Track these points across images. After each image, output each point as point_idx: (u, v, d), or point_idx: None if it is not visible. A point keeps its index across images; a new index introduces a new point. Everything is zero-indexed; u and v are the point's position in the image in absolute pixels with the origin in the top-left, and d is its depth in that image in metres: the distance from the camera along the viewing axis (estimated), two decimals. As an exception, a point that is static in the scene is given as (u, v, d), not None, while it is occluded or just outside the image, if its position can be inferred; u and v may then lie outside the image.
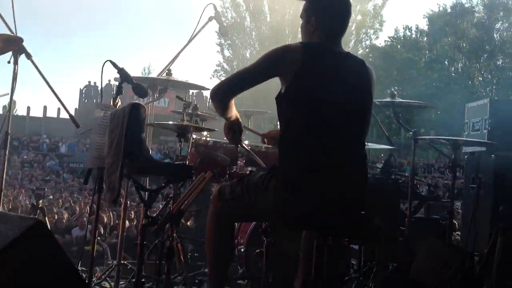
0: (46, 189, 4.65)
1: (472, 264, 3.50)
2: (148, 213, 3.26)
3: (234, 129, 3.24)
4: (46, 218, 4.81)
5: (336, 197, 2.98)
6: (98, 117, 3.50)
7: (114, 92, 3.62)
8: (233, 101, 3.16)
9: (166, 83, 4.32)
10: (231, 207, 3.19)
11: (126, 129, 3.00)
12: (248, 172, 3.87)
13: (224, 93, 3.10)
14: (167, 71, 4.31)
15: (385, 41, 39.79)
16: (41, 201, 4.66)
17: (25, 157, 27.42)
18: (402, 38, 39.81)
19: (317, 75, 2.97)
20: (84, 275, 4.50)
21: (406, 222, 4.44)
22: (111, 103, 3.51)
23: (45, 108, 37.30)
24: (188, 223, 7.86)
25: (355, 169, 3.07)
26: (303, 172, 2.95)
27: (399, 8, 76.49)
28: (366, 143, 4.59)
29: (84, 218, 10.12)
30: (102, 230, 9.43)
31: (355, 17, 36.34)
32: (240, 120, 3.28)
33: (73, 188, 20.98)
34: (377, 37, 39.08)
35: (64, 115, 28.41)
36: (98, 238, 8.64)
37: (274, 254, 4.14)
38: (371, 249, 4.32)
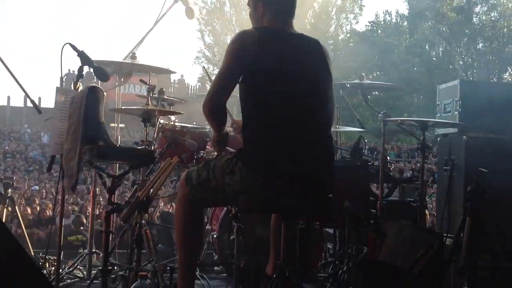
0: (14, 178, 4.54)
1: (441, 245, 3.48)
2: (112, 200, 3.18)
3: (222, 143, 3.23)
4: (16, 207, 4.72)
5: (302, 180, 2.98)
6: (60, 102, 3.42)
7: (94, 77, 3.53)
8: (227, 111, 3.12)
9: (131, 66, 4.24)
10: (198, 192, 3.17)
11: (83, 113, 2.93)
12: (214, 156, 3.84)
13: (219, 101, 3.02)
14: (131, 55, 4.22)
15: (365, 25, 39.83)
16: (9, 190, 4.57)
17: (6, 147, 27.03)
18: (382, 23, 39.87)
19: (272, 59, 2.98)
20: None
21: (378, 204, 4.43)
22: (72, 88, 3.43)
23: (25, 97, 36.75)
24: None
25: (319, 150, 3.06)
26: (267, 156, 2.95)
27: (379, -8, 76.43)
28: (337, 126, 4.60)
29: (69, 207, 10.05)
30: (84, 220, 9.33)
31: (335, 1, 36.28)
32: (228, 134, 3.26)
33: (57, 178, 20.67)
34: (357, 22, 39.03)
35: (45, 104, 28.02)
36: (81, 228, 8.56)
37: (247, 239, 4.12)
38: (346, 233, 4.32)
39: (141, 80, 4.26)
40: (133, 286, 2.93)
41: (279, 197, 2.98)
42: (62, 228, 3.46)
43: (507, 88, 5.55)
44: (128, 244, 4.28)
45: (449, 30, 37.39)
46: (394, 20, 39.87)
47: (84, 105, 2.98)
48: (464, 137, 4.79)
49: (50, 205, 10.89)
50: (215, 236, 4.37)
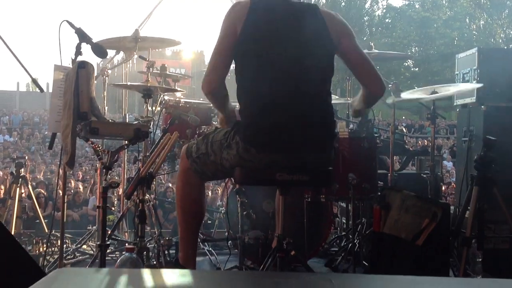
0: (26, 158, 4.62)
1: (446, 215, 3.38)
2: (109, 175, 3.18)
3: (230, 122, 3.21)
4: (29, 186, 4.79)
5: (297, 153, 2.91)
6: (57, 80, 3.44)
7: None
8: (226, 91, 3.06)
9: (134, 43, 4.21)
10: (198, 166, 3.16)
11: (74, 89, 2.92)
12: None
13: (213, 83, 2.97)
14: (134, 31, 4.19)
15: (402, 0, 39.11)
16: (22, 170, 4.62)
17: (46, 132, 27.63)
18: (420, -3, 39.03)
19: (264, 27, 2.91)
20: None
21: (389, 177, 4.35)
22: (71, 65, 3.42)
23: (63, 83, 37.34)
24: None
25: (316, 122, 2.97)
26: (262, 128, 2.90)
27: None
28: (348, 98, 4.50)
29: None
30: (114, 200, 9.45)
31: (370, -23, 35.78)
32: (235, 112, 3.23)
33: (93, 161, 21.05)
34: (394, -3, 38.41)
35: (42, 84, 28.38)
36: (113, 208, 8.68)
37: (256, 214, 4.09)
38: (352, 206, 4.26)
39: (140, 56, 4.22)
40: (119, 259, 2.93)
41: (274, 170, 2.93)
42: (65, 205, 3.47)
43: (528, 55, 5.29)
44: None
45: (489, 1, 36.29)
46: (432, -7, 38.95)
47: (75, 81, 2.98)
48: (482, 106, 4.64)
49: (81, 188, 11.10)
50: (223, 212, 4.35)
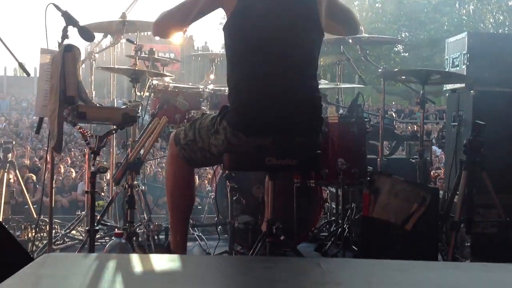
0: (13, 143, 4.60)
1: (435, 200, 3.39)
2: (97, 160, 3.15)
3: None
4: (17, 171, 4.75)
5: (286, 138, 2.89)
6: (44, 63, 3.39)
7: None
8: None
9: (121, 27, 4.16)
10: (186, 152, 3.13)
11: (61, 72, 2.89)
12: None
13: (167, 26, 3.05)
14: (121, 15, 4.14)
15: (393, -15, 38.87)
16: (9, 155, 4.58)
17: (34, 117, 27.43)
18: (410, -19, 38.86)
19: (258, 6, 2.84)
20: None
21: (378, 162, 4.35)
22: (58, 48, 3.38)
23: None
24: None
25: (305, 107, 2.95)
26: (250, 114, 2.87)
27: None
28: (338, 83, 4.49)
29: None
30: (104, 186, 9.41)
31: (361, -39, 35.57)
32: None
33: (82, 146, 20.90)
34: (384, -18, 38.16)
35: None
36: (102, 194, 8.65)
37: (246, 200, 4.08)
38: (342, 191, 4.25)
39: (128, 40, 4.17)
40: (108, 244, 2.91)
41: (263, 154, 2.91)
42: (54, 190, 3.45)
43: (517, 39, 5.28)
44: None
45: (479, -14, 36.36)
46: (422, -22, 38.79)
47: (61, 64, 2.93)
48: (471, 91, 4.64)
49: (74, 173, 11.03)
50: (212, 197, 4.34)
